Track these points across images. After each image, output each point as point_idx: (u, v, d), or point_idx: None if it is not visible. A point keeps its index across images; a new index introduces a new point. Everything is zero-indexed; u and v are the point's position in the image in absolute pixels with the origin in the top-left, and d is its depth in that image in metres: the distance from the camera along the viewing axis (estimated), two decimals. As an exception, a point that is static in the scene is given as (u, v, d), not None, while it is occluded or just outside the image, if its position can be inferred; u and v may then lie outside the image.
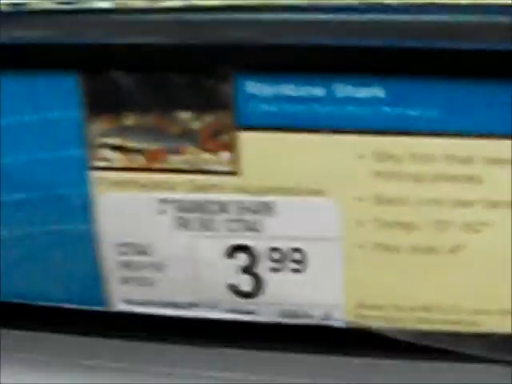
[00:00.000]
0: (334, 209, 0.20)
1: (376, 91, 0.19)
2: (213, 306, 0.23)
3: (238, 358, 0.23)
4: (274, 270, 0.21)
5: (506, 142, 0.19)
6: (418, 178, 0.19)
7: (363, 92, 0.19)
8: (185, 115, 0.19)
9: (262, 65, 0.19)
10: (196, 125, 0.20)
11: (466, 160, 0.19)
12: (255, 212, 0.21)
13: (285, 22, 0.19)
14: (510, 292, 0.21)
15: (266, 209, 0.21)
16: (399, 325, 0.22)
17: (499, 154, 0.19)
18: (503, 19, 0.18)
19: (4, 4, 0.21)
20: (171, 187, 0.21)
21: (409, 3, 0.19)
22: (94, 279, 0.23)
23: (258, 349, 0.23)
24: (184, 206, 0.21)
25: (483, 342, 0.21)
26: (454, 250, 0.20)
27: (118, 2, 0.20)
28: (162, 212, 0.21)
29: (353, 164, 0.19)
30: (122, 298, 0.23)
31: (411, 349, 0.22)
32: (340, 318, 0.22)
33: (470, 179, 0.19)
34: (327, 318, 0.22)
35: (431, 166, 0.19)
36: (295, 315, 0.22)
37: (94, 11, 0.20)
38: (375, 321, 0.22)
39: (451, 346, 0.22)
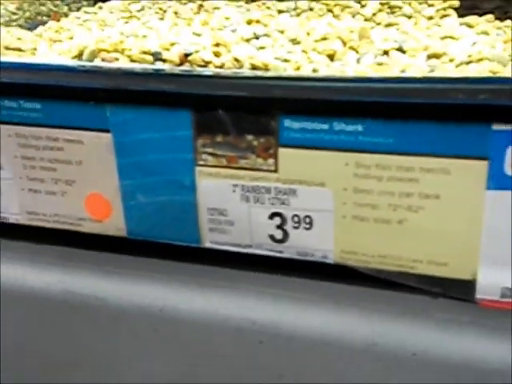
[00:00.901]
0: (330, 194, 0.30)
1: (357, 127, 0.28)
2: (260, 247, 0.32)
3: (272, 279, 0.32)
4: (295, 227, 0.31)
5: (434, 159, 0.27)
6: (379, 179, 0.29)
7: (350, 127, 0.28)
8: (249, 137, 0.30)
9: (294, 110, 0.29)
10: (255, 143, 0.30)
11: (409, 169, 0.28)
12: (285, 194, 0.30)
13: (308, 87, 0.29)
14: (434, 250, 0.29)
15: (292, 192, 0.30)
16: (366, 265, 0.31)
17: (430, 166, 0.27)
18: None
19: (144, 68, 0.32)
20: (239, 178, 0.31)
21: (386, 77, 0.29)
22: (193, 228, 0.32)
23: (283, 274, 0.32)
24: (246, 189, 0.31)
25: (418, 279, 0.30)
26: (401, 222, 0.29)
27: (214, 71, 0.32)
28: (234, 191, 0.31)
29: (342, 168, 0.29)
30: (209, 240, 0.33)
31: (374, 280, 0.31)
32: (331, 258, 0.31)
33: (412, 180, 0.28)
34: (324, 258, 0.31)
35: (388, 172, 0.28)
36: (305, 255, 0.31)
37: (199, 76, 0.31)
38: (352, 261, 0.31)
39: (398, 279, 0.30)
